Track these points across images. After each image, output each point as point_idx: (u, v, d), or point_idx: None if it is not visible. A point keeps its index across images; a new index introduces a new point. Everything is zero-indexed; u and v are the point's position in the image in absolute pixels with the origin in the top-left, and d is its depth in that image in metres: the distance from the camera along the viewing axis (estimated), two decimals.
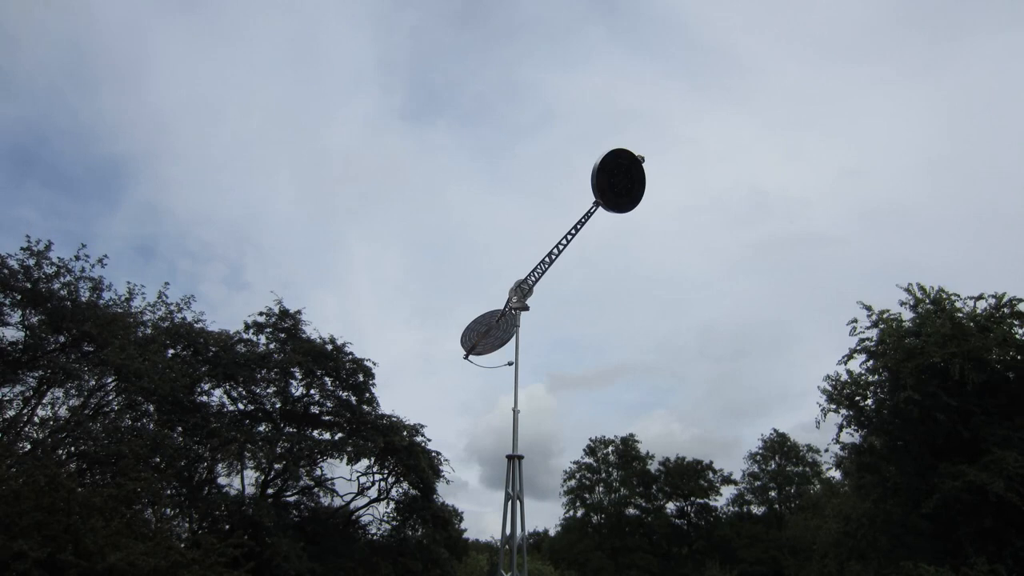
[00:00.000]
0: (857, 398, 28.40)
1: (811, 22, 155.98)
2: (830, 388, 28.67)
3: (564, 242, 26.01)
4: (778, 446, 67.90)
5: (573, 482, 70.52)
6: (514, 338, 27.41)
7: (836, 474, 45.58)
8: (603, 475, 70.45)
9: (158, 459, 24.66)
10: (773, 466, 68.09)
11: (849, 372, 28.54)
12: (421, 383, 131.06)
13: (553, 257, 26.30)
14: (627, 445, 70.32)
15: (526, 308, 27.74)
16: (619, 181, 25.13)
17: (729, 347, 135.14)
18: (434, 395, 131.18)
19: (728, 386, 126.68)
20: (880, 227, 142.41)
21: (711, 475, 69.00)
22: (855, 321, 28.12)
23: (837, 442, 29.12)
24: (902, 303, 28.17)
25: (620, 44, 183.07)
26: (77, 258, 22.97)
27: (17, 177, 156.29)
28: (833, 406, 28.35)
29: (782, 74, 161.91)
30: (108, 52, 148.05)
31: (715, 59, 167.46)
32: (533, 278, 26.55)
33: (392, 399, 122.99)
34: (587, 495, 69.99)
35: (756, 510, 68.18)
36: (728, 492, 69.38)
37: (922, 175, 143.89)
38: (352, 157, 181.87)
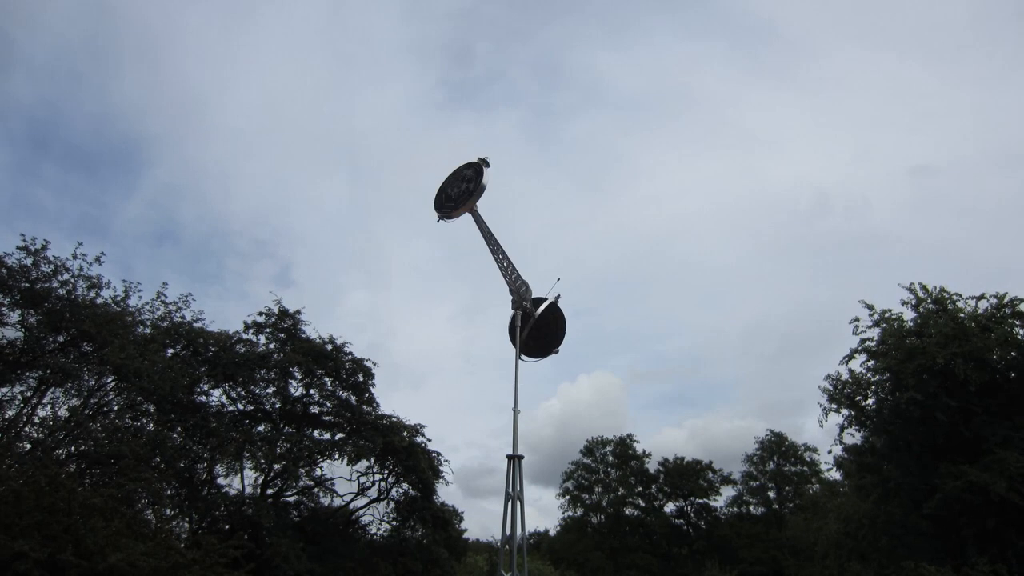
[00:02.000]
0: (858, 398, 28.34)
1: (882, 16, 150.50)
2: (831, 388, 28.63)
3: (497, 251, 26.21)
4: (775, 446, 67.83)
5: (571, 483, 70.46)
6: (517, 343, 27.26)
7: (836, 474, 45.60)
8: (601, 475, 70.35)
9: (158, 459, 24.57)
10: (772, 466, 68.02)
11: (851, 372, 28.52)
12: (461, 380, 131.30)
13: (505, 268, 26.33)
14: (624, 445, 70.24)
15: (521, 307, 27.62)
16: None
17: (797, 342, 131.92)
18: (474, 392, 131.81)
19: (793, 381, 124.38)
20: (944, 225, 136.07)
21: (711, 475, 68.95)
22: (857, 320, 28.08)
23: (839, 443, 29.07)
24: (904, 303, 28.15)
25: (678, 24, 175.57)
26: (75, 256, 22.92)
27: (34, 159, 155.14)
28: (834, 406, 28.29)
29: (850, 66, 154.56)
30: (133, 30, 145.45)
31: (781, 47, 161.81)
32: (510, 282, 26.54)
33: (431, 396, 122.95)
34: (585, 495, 69.91)
35: (755, 510, 68.09)
36: (728, 492, 69.38)
37: (991, 173, 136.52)
38: (391, 146, 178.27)
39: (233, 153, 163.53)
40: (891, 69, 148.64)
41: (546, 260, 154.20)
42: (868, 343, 27.72)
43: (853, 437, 29.51)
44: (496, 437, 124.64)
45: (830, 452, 30.48)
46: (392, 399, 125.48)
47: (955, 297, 27.15)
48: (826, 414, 28.39)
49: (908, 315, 27.93)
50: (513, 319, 27.04)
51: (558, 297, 27.55)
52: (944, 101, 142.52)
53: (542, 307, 27.19)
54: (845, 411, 28.41)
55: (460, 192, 26.93)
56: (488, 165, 27.17)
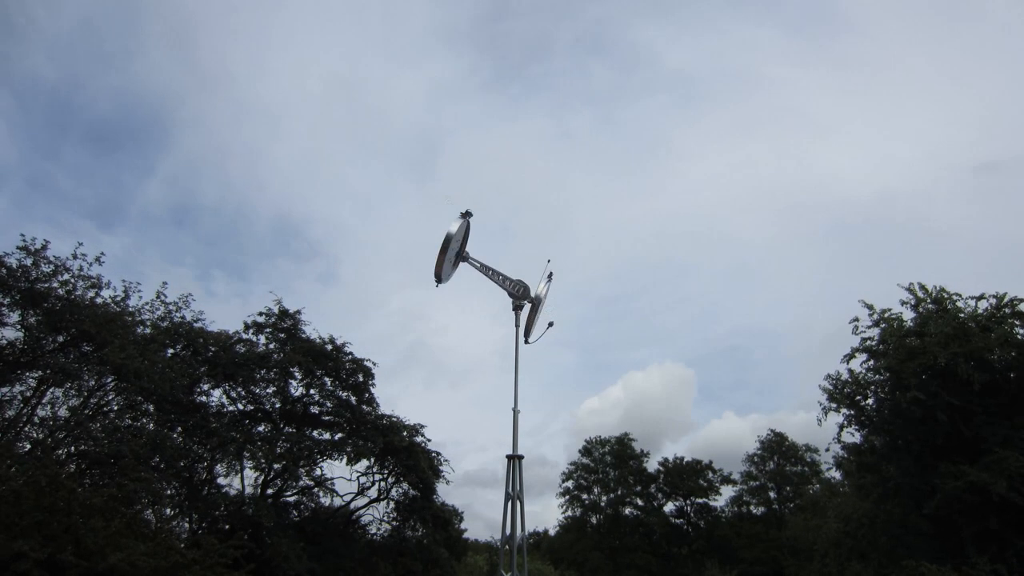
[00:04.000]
0: (858, 398, 28.35)
1: (951, 11, 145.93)
2: (831, 387, 28.63)
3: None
4: (776, 446, 67.87)
5: (570, 483, 70.52)
6: (515, 338, 27.03)
7: (836, 474, 45.58)
8: (600, 475, 70.42)
9: (158, 459, 24.60)
10: (772, 466, 68.06)
11: (851, 371, 28.52)
12: (500, 379, 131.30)
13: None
14: (623, 445, 70.31)
15: (522, 306, 27.19)
16: None
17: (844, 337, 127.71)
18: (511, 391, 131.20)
19: None
20: (1007, 224, 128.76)
21: (710, 475, 69.01)
22: (857, 320, 28.09)
23: (838, 441, 29.06)
24: (903, 302, 28.16)
25: (740, 5, 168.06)
26: (75, 256, 23.00)
27: (55, 139, 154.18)
28: (834, 405, 28.29)
29: (916, 59, 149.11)
30: (160, 8, 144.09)
31: (846, 35, 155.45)
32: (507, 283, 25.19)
33: (471, 394, 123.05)
34: (584, 495, 69.98)
35: (755, 510, 68.13)
36: (728, 492, 69.41)
37: None
38: (429, 133, 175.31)
39: (268, 138, 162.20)
40: (957, 63, 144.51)
41: (588, 243, 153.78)
42: (868, 342, 27.74)
43: (853, 436, 29.53)
44: (530, 436, 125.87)
45: (827, 451, 30.44)
46: (427, 398, 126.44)
47: (954, 297, 27.19)
48: (826, 413, 28.42)
49: (908, 315, 27.96)
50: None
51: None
52: (1012, 98, 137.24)
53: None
54: (845, 410, 28.42)
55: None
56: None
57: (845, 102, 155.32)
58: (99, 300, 23.64)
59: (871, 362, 27.62)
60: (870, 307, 28.05)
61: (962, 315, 26.40)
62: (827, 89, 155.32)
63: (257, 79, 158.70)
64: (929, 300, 27.50)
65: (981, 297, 26.68)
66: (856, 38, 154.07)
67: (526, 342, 23.86)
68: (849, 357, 28.08)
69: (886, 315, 27.73)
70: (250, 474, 30.73)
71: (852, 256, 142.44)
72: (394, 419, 33.51)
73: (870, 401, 28.39)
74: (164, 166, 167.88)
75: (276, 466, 30.49)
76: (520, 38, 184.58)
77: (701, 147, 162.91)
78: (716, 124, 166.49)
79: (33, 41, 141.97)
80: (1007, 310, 26.21)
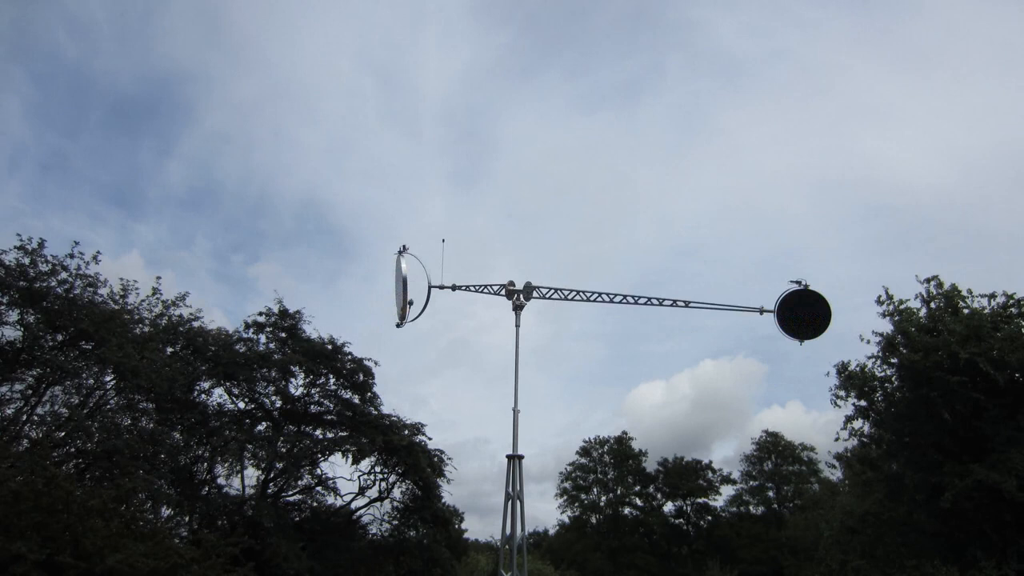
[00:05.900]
0: (866, 388, 28.07)
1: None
2: (840, 376, 28.34)
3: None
4: (772, 446, 67.82)
5: (568, 483, 70.37)
6: (514, 337, 26.94)
7: (836, 473, 45.34)
8: (598, 475, 70.31)
9: (163, 456, 24.54)
10: (769, 466, 68.02)
11: (860, 365, 28.20)
12: (533, 378, 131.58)
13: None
14: (621, 444, 70.23)
15: (521, 305, 27.13)
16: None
17: None
18: (554, 386, 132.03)
19: None
20: None
21: (710, 474, 68.95)
22: (883, 302, 27.70)
23: (844, 428, 28.75)
24: (917, 295, 27.86)
25: None
26: (72, 256, 23.03)
27: (73, 121, 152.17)
28: (843, 392, 27.98)
29: (977, 43, 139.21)
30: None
31: (915, 26, 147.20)
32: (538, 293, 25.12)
33: (509, 391, 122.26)
34: (583, 495, 69.84)
35: (755, 510, 68.08)
36: (728, 492, 69.34)
37: None
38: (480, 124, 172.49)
39: (298, 123, 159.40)
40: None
41: (617, 231, 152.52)
42: (882, 335, 27.44)
43: (862, 426, 29.16)
44: (563, 434, 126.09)
45: (837, 439, 29.85)
46: (463, 395, 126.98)
47: (965, 295, 26.94)
48: (835, 402, 28.11)
49: (922, 312, 27.60)
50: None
51: None
52: None
53: None
54: (854, 400, 28.10)
55: None
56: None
57: (906, 90, 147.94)
58: (97, 298, 23.61)
59: (881, 355, 27.33)
60: (890, 296, 27.68)
61: (967, 311, 26.18)
62: (887, 76, 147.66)
63: (289, 58, 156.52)
64: (941, 297, 27.20)
65: (992, 296, 26.50)
66: (920, 23, 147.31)
67: (397, 326, 22.13)
68: (868, 342, 27.69)
69: (901, 307, 27.38)
70: (250, 473, 30.65)
71: (912, 255, 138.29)
72: (394, 418, 33.40)
73: (878, 395, 28.14)
74: (188, 148, 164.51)
75: (278, 465, 30.35)
76: (558, 14, 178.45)
77: (751, 133, 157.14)
78: (766, 108, 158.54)
79: (53, 15, 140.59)
80: (1014, 309, 26.04)
